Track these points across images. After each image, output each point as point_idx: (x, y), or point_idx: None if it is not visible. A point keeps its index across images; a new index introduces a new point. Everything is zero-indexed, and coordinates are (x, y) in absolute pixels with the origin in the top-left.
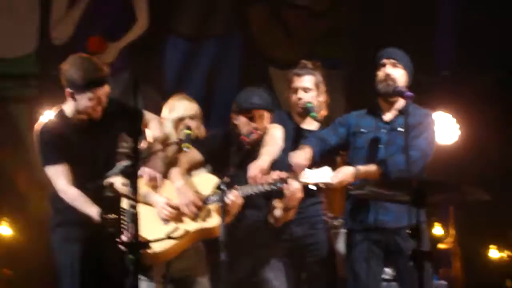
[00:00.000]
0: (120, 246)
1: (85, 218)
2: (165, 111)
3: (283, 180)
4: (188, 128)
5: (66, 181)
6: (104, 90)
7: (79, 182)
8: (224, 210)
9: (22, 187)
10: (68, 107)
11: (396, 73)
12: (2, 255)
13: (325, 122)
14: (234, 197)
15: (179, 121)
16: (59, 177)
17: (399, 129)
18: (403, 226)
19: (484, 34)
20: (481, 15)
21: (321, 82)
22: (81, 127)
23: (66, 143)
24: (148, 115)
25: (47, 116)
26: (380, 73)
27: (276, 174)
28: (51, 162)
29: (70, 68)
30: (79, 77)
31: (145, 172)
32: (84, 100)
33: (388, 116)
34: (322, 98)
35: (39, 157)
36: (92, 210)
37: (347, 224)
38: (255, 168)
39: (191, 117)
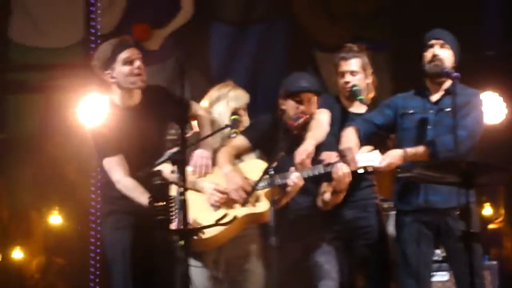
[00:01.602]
0: (170, 233)
1: (135, 207)
2: (213, 98)
3: (332, 164)
4: (235, 113)
5: (122, 171)
6: (135, 53)
7: (130, 171)
8: (275, 194)
9: (71, 177)
10: (115, 94)
11: (443, 53)
12: (53, 244)
13: (373, 104)
14: (296, 178)
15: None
16: (115, 168)
17: (446, 109)
18: (453, 207)
19: None
20: None
21: (367, 65)
22: (131, 114)
23: (118, 133)
24: (195, 106)
25: (88, 101)
26: (428, 54)
27: (326, 155)
28: (108, 155)
29: (97, 53)
30: (106, 51)
31: (194, 158)
32: (119, 68)
33: (435, 97)
34: (369, 80)
35: (96, 152)
36: (146, 198)
37: (396, 206)
38: (301, 154)
39: (244, 108)
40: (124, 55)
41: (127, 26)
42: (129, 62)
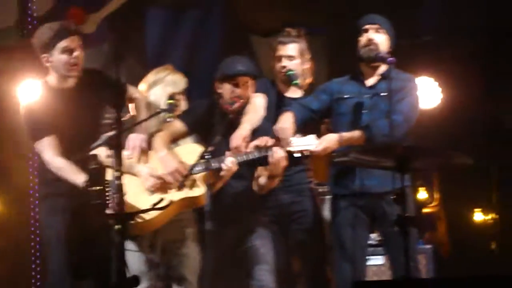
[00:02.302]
0: (106, 217)
1: (72, 189)
2: (150, 82)
3: (268, 148)
4: (171, 98)
5: (52, 151)
6: (75, 41)
7: (64, 154)
8: (210, 178)
9: (8, 161)
10: (51, 77)
11: (378, 38)
12: None
13: (310, 89)
14: (230, 163)
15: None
16: (46, 149)
17: (382, 94)
18: (388, 191)
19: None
20: None
21: (305, 50)
22: (65, 97)
23: (52, 115)
24: (132, 89)
25: (25, 87)
26: (363, 39)
27: (260, 141)
28: (39, 137)
29: (37, 34)
30: (46, 35)
31: (129, 141)
32: (58, 55)
33: (370, 81)
34: (307, 66)
35: (27, 133)
36: (79, 178)
37: (332, 190)
38: (237, 138)
39: (181, 93)
40: (64, 43)
41: (62, 9)
42: (67, 51)
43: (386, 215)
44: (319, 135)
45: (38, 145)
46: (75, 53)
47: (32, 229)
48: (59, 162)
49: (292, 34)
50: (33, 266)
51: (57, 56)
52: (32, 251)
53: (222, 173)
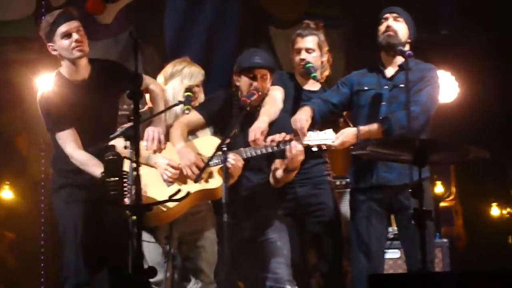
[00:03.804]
0: (123, 208)
1: (88, 181)
2: (168, 75)
3: (286, 142)
4: (189, 90)
5: (74, 144)
6: (73, 25)
7: (82, 146)
8: (226, 172)
9: (23, 151)
10: (63, 67)
11: (397, 26)
12: (4, 219)
13: (327, 82)
14: (233, 160)
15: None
16: (68, 142)
17: (401, 85)
18: (406, 184)
19: None
20: None
21: (323, 43)
22: (79, 88)
23: (69, 107)
24: (148, 79)
25: (44, 79)
26: (382, 27)
27: (279, 136)
28: (60, 129)
29: (41, 25)
30: (46, 23)
31: (147, 133)
32: (60, 42)
33: (390, 72)
34: (325, 58)
35: (46, 124)
36: (100, 170)
37: (350, 183)
38: (255, 131)
39: (198, 85)
40: (62, 28)
41: None
42: (67, 35)
43: (404, 208)
44: (337, 129)
45: (59, 138)
46: (74, 37)
47: (42, 220)
48: (81, 155)
49: (310, 26)
50: (42, 257)
51: (59, 42)
52: (42, 242)
53: (229, 170)
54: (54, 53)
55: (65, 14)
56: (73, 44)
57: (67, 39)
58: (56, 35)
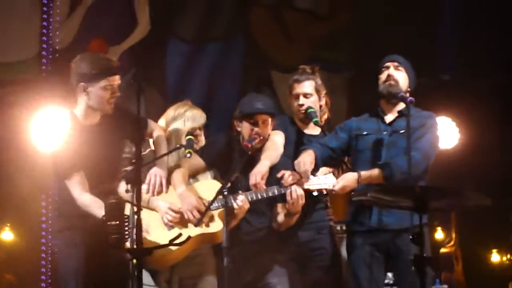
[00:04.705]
0: (123, 251)
1: (90, 224)
2: (170, 118)
3: (286, 186)
4: (190, 133)
5: (80, 188)
6: (117, 80)
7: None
8: (228, 215)
9: (24, 193)
10: (79, 109)
11: (398, 75)
12: (4, 261)
13: (327, 125)
14: (241, 202)
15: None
16: (75, 186)
17: (401, 131)
18: (405, 228)
19: (484, 39)
20: (481, 19)
21: (321, 86)
22: (91, 132)
23: (80, 151)
24: (152, 125)
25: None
26: (383, 76)
27: (280, 173)
28: (69, 175)
29: (80, 62)
30: (92, 67)
31: (149, 176)
32: (98, 91)
33: (389, 118)
34: (323, 102)
35: (56, 170)
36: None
37: (349, 226)
38: (256, 175)
39: (200, 128)
40: (108, 81)
41: (84, 41)
42: (110, 89)
43: (402, 253)
44: (342, 173)
45: (67, 183)
46: (116, 93)
47: (43, 262)
48: (87, 198)
49: (306, 71)
50: None
51: (98, 91)
52: (43, 284)
53: (235, 211)
54: (82, 94)
55: (113, 67)
56: (112, 100)
57: (108, 92)
58: (99, 83)
